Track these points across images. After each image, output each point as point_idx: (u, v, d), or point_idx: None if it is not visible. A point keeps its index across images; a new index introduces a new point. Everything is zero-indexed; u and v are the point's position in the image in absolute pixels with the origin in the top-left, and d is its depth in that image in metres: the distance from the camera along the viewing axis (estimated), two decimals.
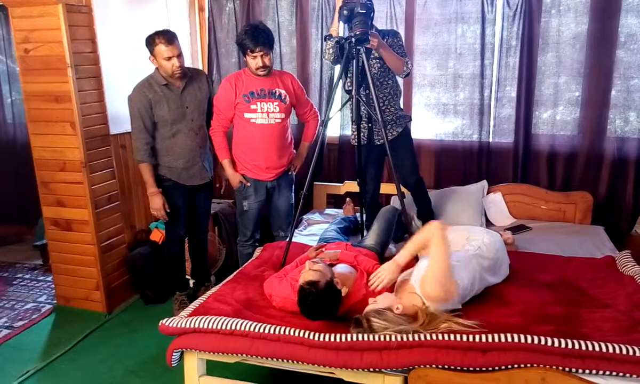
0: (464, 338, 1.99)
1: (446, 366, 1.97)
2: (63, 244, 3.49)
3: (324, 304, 2.18)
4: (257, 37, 2.93)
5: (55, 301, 3.67)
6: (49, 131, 3.31)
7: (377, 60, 3.00)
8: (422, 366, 1.99)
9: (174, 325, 2.25)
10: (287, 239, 2.94)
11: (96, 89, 3.35)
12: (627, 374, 1.86)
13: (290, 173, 3.34)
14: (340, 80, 2.92)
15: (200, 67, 4.32)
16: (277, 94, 3.13)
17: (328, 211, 4.11)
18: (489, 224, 3.61)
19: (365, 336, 2.04)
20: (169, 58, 3.00)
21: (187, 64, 3.61)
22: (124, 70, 3.48)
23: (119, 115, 3.43)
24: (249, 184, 3.21)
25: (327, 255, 2.67)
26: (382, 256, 2.83)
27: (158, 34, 3.01)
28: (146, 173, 3.15)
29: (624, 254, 2.76)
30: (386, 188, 3.73)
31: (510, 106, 3.75)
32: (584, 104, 3.59)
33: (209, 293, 2.58)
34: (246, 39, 2.96)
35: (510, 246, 3.04)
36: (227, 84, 3.12)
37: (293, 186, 3.41)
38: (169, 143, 3.17)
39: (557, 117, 3.69)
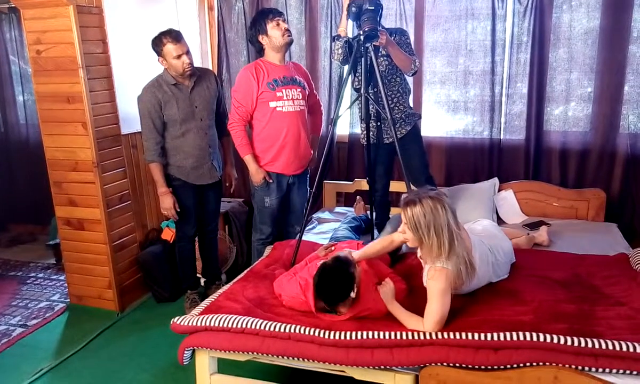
0: (476, 336, 1.98)
1: (457, 364, 1.97)
2: (75, 243, 3.52)
3: (339, 279, 2.18)
4: (272, 8, 2.99)
5: (68, 300, 3.71)
6: (61, 131, 3.34)
7: (385, 58, 2.99)
8: (433, 364, 1.98)
9: (186, 323, 2.26)
10: (297, 238, 2.94)
11: (107, 90, 3.37)
12: None
13: (308, 168, 3.35)
14: (349, 78, 2.91)
15: (210, 67, 4.33)
16: (298, 80, 3.12)
17: (338, 209, 4.10)
18: (500, 221, 3.58)
19: (376, 334, 2.04)
20: (179, 56, 3.01)
21: (197, 63, 3.62)
22: (135, 70, 3.50)
23: (130, 115, 3.45)
24: (271, 181, 3.18)
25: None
26: (395, 256, 2.82)
27: (164, 34, 3.03)
28: (156, 173, 3.17)
29: (637, 251, 2.73)
30: (396, 186, 3.72)
31: (522, 103, 3.72)
32: (596, 100, 3.55)
33: (220, 291, 2.59)
34: (263, 12, 3.02)
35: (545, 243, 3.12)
36: (247, 74, 3.04)
37: (308, 182, 3.40)
38: (179, 143, 3.18)
39: (569, 114, 3.66)
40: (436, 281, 2.12)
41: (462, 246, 2.15)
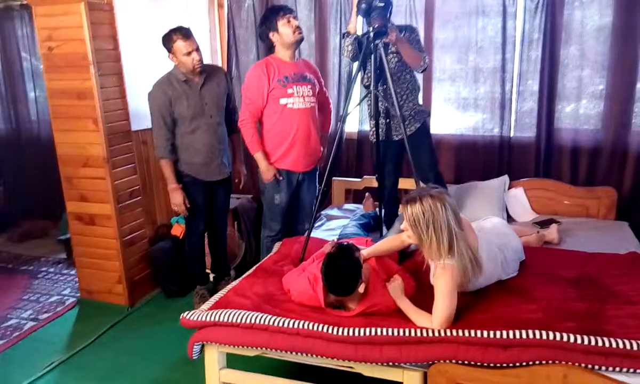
0: (485, 333, 1.97)
1: (466, 362, 1.96)
2: (86, 238, 3.55)
3: (346, 262, 2.21)
4: (282, 5, 2.95)
5: (78, 294, 3.74)
6: (72, 127, 3.36)
7: (395, 55, 2.97)
8: (442, 361, 1.98)
9: (195, 318, 2.28)
10: (306, 234, 2.94)
11: (118, 86, 3.40)
12: None
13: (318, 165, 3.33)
14: (359, 75, 2.90)
15: (220, 64, 4.35)
16: (308, 77, 3.11)
17: (347, 206, 4.10)
18: (510, 219, 3.56)
19: (384, 330, 2.04)
20: (189, 53, 3.03)
21: (207, 60, 3.63)
22: (145, 67, 3.51)
23: (140, 111, 3.47)
24: (281, 178, 3.17)
25: None
26: (403, 253, 2.81)
27: (174, 31, 3.04)
28: (167, 169, 3.19)
29: None
30: (405, 183, 3.71)
31: (532, 100, 3.69)
32: (608, 98, 3.52)
33: (229, 286, 2.60)
34: (274, 9, 3.01)
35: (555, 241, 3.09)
36: (258, 70, 3.04)
37: (317, 179, 3.40)
38: (189, 139, 3.19)
39: (581, 111, 3.63)
40: (442, 279, 2.12)
41: (465, 244, 2.15)
